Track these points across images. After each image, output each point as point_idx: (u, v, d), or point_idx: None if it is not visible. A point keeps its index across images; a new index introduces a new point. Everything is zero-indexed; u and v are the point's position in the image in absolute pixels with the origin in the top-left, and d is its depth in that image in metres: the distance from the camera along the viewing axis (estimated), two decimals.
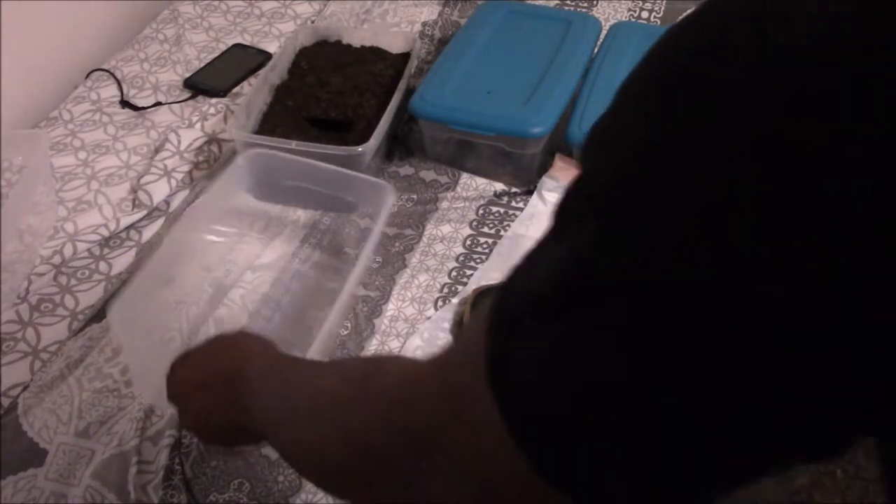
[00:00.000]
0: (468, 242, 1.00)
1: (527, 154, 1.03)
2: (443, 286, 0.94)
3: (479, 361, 0.30)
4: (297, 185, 0.94)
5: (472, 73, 1.10)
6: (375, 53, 1.21)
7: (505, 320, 0.30)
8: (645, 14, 1.41)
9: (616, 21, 1.31)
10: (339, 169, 0.93)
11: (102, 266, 0.97)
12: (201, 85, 1.23)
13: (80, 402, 0.81)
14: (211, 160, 1.11)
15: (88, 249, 0.98)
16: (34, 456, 0.77)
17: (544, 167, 1.05)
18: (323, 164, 0.93)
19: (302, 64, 1.18)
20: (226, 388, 0.53)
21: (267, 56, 1.28)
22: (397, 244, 0.99)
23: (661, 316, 0.26)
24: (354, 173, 0.93)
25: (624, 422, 0.27)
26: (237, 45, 1.32)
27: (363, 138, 0.97)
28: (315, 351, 0.73)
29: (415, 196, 1.06)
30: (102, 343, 0.87)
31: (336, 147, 0.98)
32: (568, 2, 1.44)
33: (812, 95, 0.23)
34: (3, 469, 0.76)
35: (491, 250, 0.98)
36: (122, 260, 0.98)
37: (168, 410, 0.77)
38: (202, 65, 1.28)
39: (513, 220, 1.02)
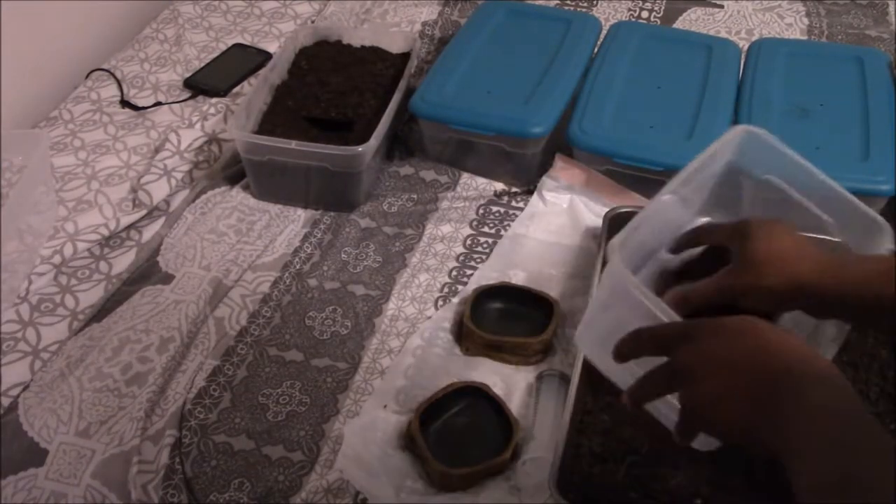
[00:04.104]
0: (468, 242, 1.00)
1: (527, 154, 1.03)
2: (443, 286, 0.94)
3: None
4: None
5: (472, 73, 1.10)
6: (375, 53, 1.21)
7: None
8: (645, 14, 1.41)
9: (616, 21, 1.31)
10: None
11: (102, 266, 0.97)
12: (201, 85, 1.23)
13: (80, 401, 0.81)
14: (211, 160, 1.12)
15: (88, 249, 0.98)
16: (34, 456, 0.77)
17: (544, 167, 1.05)
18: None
19: (302, 64, 1.18)
20: (766, 389, 0.48)
21: (267, 56, 1.28)
22: (397, 244, 0.99)
23: None
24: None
25: None
26: (237, 45, 1.32)
27: (363, 138, 0.97)
28: None
29: (415, 196, 1.06)
30: (103, 343, 0.87)
31: (336, 147, 0.98)
32: (568, 2, 1.45)
33: None
34: (3, 469, 0.76)
35: (491, 250, 0.98)
36: (122, 260, 0.98)
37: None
38: (202, 65, 1.28)
39: (513, 220, 1.02)
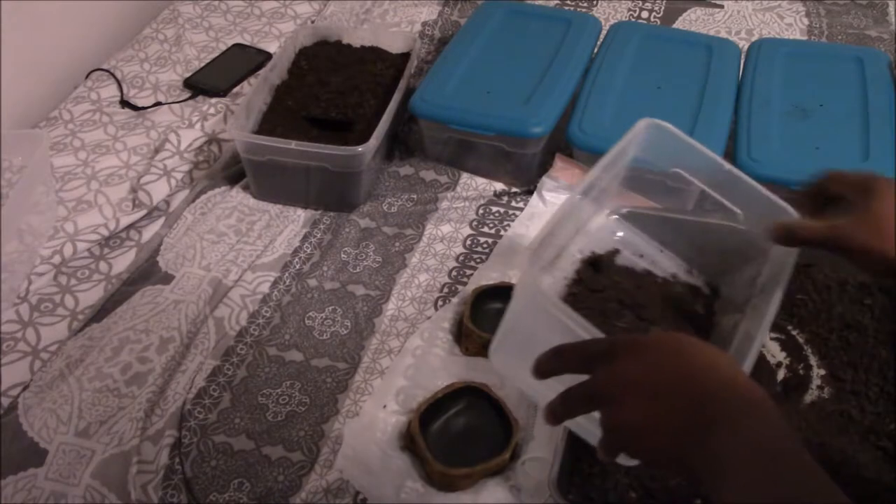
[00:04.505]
0: (468, 242, 1.00)
1: (527, 154, 1.03)
2: (443, 286, 0.94)
3: None
4: None
5: (472, 73, 1.10)
6: (375, 53, 1.21)
7: None
8: (645, 14, 1.41)
9: (616, 21, 1.31)
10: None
11: (102, 266, 0.97)
12: (201, 85, 1.23)
13: (80, 401, 0.81)
14: (211, 160, 1.12)
15: (88, 249, 0.98)
16: (34, 456, 0.77)
17: (544, 167, 1.05)
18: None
19: (302, 64, 1.18)
20: (689, 417, 0.46)
21: (267, 56, 1.28)
22: (397, 244, 0.99)
23: None
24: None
25: None
26: (237, 45, 1.32)
27: (363, 138, 0.97)
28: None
29: (415, 196, 1.06)
30: (102, 343, 0.87)
31: (336, 147, 0.98)
32: (568, 2, 1.45)
33: None
34: (3, 469, 0.76)
35: (491, 250, 0.98)
36: (122, 260, 0.98)
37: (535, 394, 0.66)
38: (202, 65, 1.28)
39: (513, 220, 1.02)
